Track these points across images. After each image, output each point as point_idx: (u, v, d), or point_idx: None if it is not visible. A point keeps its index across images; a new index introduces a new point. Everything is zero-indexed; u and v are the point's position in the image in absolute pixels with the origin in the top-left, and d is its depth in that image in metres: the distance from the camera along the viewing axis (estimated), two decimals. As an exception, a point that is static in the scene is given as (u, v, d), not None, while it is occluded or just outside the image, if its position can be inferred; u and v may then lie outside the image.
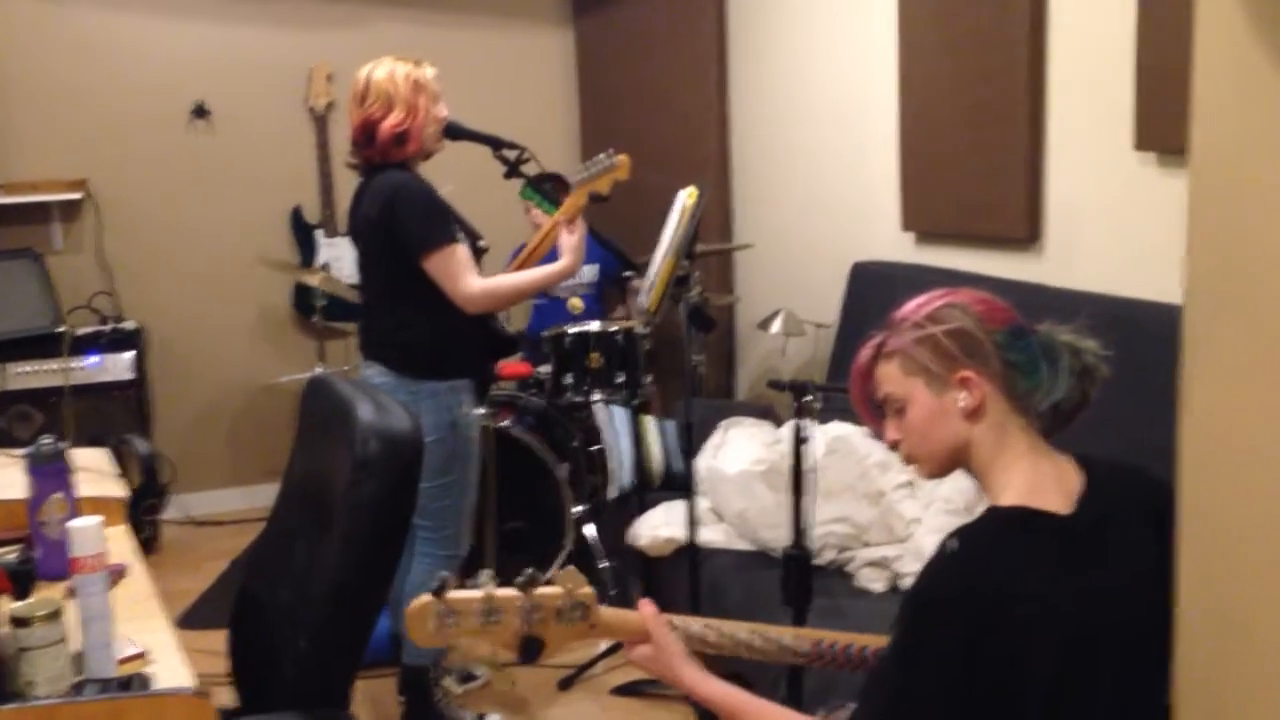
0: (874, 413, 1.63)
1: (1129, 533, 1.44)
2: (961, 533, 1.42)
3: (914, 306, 1.57)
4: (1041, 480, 1.47)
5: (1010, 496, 1.47)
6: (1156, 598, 1.36)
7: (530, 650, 1.54)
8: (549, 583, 1.55)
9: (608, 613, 1.59)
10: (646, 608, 1.64)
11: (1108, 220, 3.02)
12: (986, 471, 1.52)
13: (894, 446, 1.60)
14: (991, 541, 1.42)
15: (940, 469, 1.57)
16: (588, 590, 1.56)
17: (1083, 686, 1.35)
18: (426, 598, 1.51)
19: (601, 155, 3.00)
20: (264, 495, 2.16)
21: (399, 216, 2.85)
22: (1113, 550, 1.42)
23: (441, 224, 2.88)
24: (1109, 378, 1.56)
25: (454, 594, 1.51)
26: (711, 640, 1.64)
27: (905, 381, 1.55)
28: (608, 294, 4.79)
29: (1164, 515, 1.36)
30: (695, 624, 1.65)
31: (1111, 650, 1.36)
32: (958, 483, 2.94)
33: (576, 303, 4.61)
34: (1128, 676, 1.37)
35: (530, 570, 1.55)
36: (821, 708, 1.87)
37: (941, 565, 1.41)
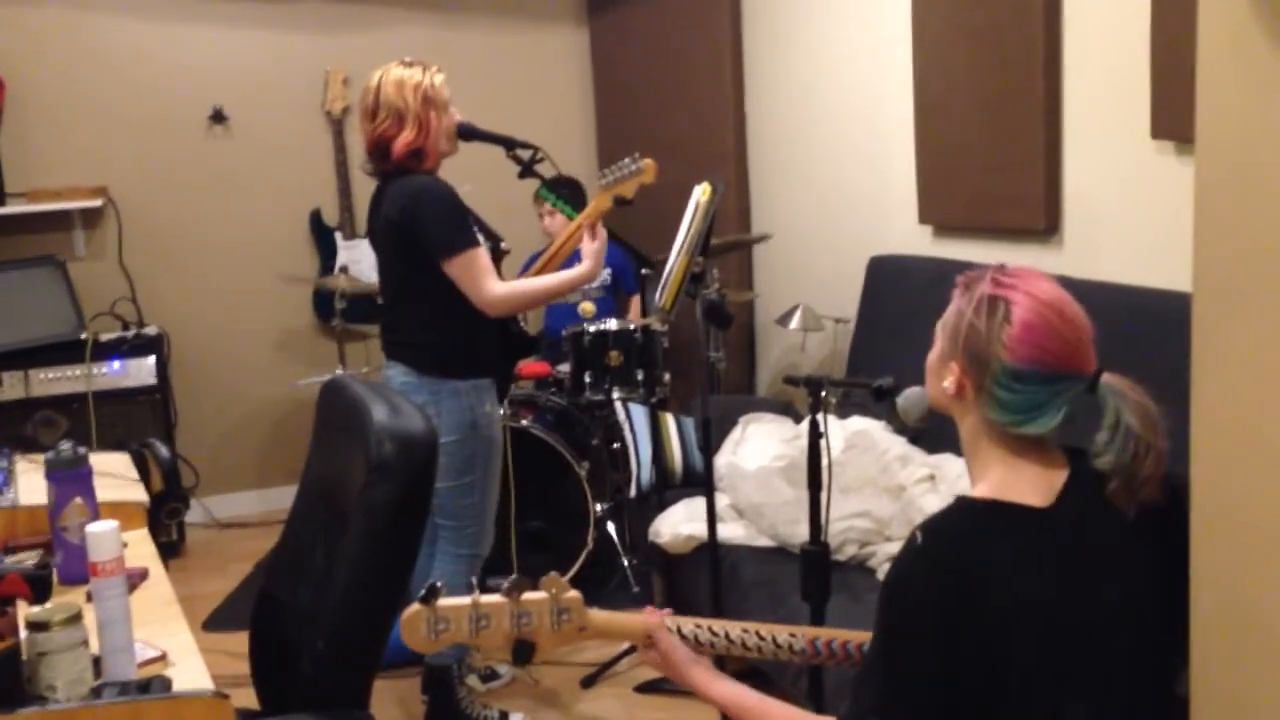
0: None
1: (1112, 527, 1.42)
2: (927, 525, 1.43)
3: (992, 280, 1.51)
4: (1018, 476, 1.45)
5: (983, 488, 1.47)
6: (1142, 591, 1.36)
7: (522, 653, 1.59)
8: (535, 588, 1.60)
9: (598, 615, 1.64)
10: (651, 616, 1.69)
11: (1126, 210, 3.00)
12: (968, 455, 1.54)
13: None
14: (957, 532, 1.42)
15: (937, 408, 1.61)
16: (573, 594, 1.61)
17: (1064, 676, 1.35)
18: (417, 606, 1.57)
19: (626, 159, 2.99)
20: (288, 497, 2.18)
21: (421, 219, 2.85)
22: (1090, 544, 1.41)
23: (463, 228, 2.89)
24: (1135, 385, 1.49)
25: (444, 601, 1.57)
26: (704, 640, 1.68)
27: (942, 325, 1.56)
28: (619, 297, 4.79)
29: (1167, 510, 1.36)
30: (688, 624, 1.69)
31: (1092, 641, 1.36)
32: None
33: (588, 306, 4.62)
34: (1111, 667, 1.36)
35: (514, 577, 1.60)
36: None
37: (909, 557, 1.42)
